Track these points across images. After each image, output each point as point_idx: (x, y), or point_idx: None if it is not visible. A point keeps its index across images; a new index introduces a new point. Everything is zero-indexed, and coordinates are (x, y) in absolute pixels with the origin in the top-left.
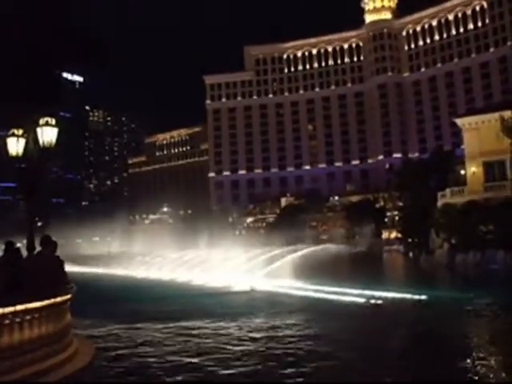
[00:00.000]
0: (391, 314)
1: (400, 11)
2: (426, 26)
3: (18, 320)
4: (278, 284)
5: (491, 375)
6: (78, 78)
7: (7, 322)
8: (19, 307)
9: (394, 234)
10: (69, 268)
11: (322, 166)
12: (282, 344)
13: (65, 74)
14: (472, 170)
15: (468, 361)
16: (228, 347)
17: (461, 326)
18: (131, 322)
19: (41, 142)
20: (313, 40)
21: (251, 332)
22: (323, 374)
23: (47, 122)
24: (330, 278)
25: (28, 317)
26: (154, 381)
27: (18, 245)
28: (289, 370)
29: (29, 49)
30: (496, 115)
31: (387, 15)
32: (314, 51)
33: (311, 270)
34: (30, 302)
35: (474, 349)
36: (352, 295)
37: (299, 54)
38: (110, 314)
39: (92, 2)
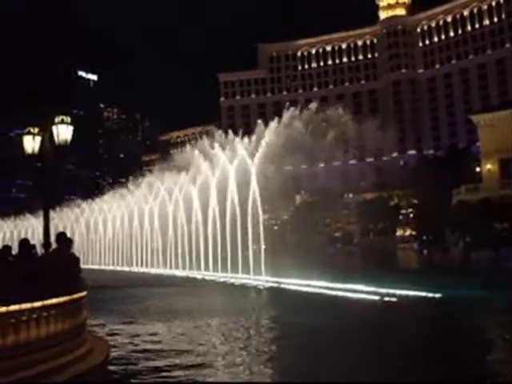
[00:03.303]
0: (405, 311)
1: (414, 7)
2: (441, 22)
3: (34, 316)
4: (292, 281)
5: (503, 376)
6: (92, 76)
7: (24, 318)
8: (36, 304)
9: (408, 232)
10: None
11: (337, 163)
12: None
13: (79, 72)
14: (487, 167)
15: (482, 360)
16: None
17: (475, 323)
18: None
19: (56, 140)
20: (326, 37)
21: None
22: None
23: (62, 120)
24: (344, 274)
25: (45, 313)
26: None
27: (33, 242)
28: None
29: (42, 47)
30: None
31: (401, 12)
32: (328, 48)
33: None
34: (47, 298)
35: (487, 348)
36: (366, 293)
37: (313, 51)
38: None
39: (105, 2)
